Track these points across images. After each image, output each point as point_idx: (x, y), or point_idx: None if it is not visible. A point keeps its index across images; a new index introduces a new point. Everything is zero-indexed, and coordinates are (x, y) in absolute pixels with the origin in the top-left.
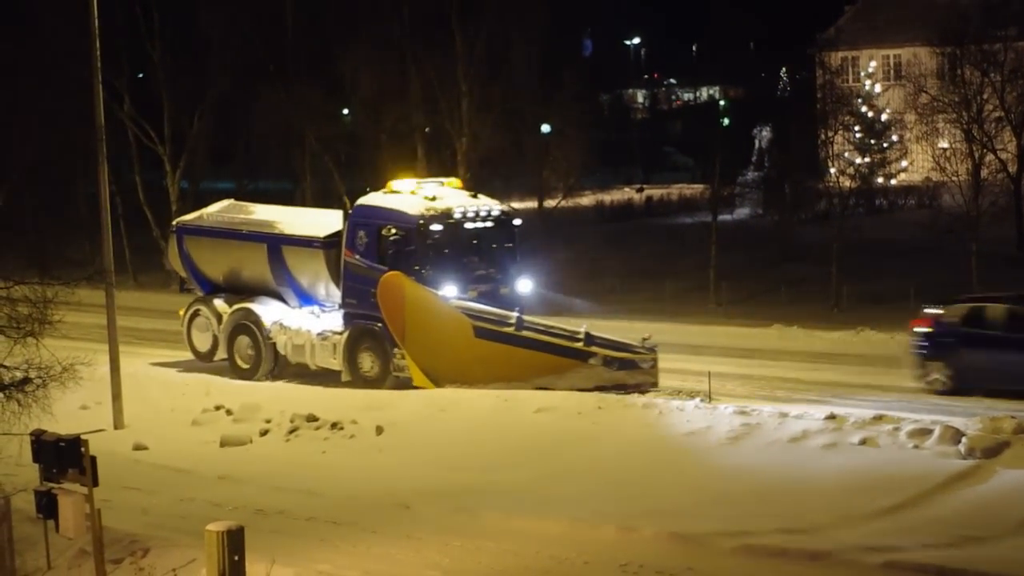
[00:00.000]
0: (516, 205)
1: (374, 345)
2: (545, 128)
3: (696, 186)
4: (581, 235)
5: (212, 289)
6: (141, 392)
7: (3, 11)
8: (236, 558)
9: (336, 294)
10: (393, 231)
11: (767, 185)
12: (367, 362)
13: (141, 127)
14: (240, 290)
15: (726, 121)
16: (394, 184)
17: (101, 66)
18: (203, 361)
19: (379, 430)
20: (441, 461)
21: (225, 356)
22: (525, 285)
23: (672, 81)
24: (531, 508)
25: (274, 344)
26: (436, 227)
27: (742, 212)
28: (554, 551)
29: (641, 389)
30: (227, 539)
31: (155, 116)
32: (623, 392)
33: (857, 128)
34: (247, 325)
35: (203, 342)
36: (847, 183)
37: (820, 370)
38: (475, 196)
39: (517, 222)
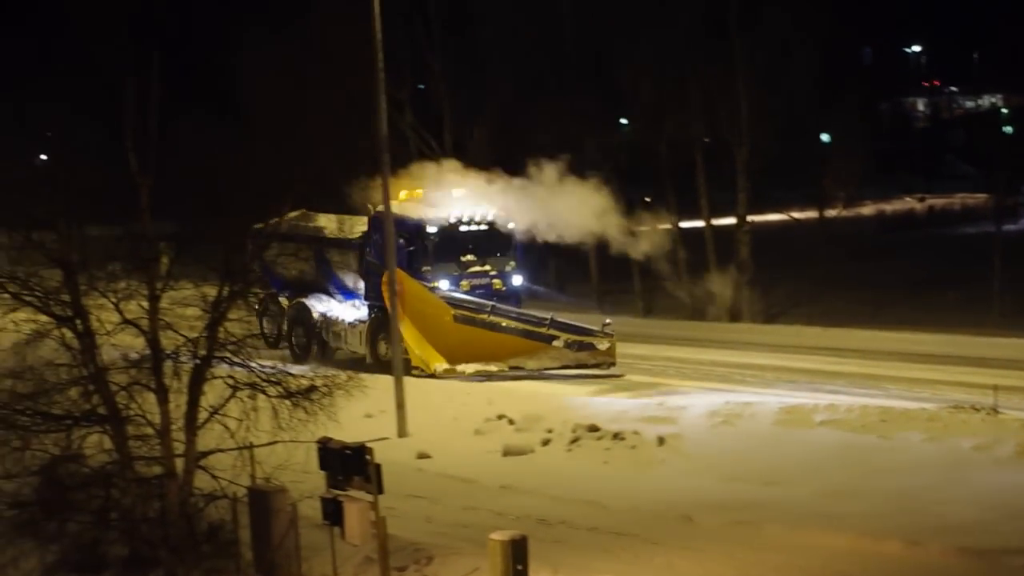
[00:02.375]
0: (795, 215)
1: (388, 334)
2: (824, 137)
3: (979, 195)
4: (861, 245)
5: (281, 287)
6: (424, 401)
7: (290, 25)
8: (519, 567)
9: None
10: (399, 234)
11: None
12: (383, 348)
13: (422, 138)
14: (300, 287)
15: (1009, 129)
16: (402, 194)
17: (384, 77)
18: (270, 348)
19: (660, 441)
20: (722, 473)
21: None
22: (518, 280)
23: (953, 89)
24: (814, 521)
25: (320, 333)
26: (433, 230)
27: None
28: (839, 566)
29: (602, 367)
30: (511, 548)
31: (436, 126)
32: (585, 370)
33: None
34: (300, 317)
35: (271, 331)
36: None
37: None
38: (476, 204)
39: (511, 226)
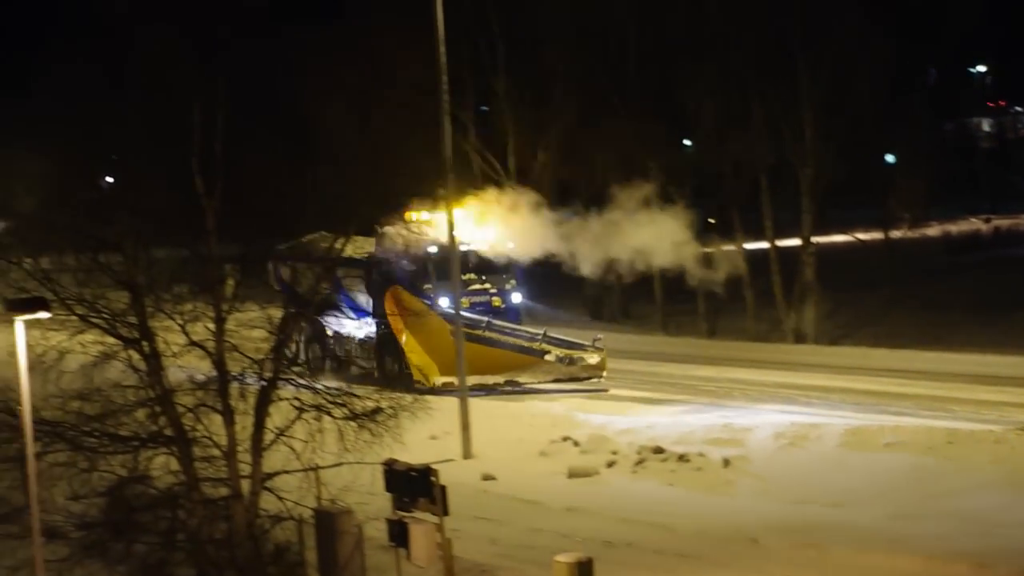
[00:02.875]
0: (861, 236)
1: (393, 349)
2: (889, 158)
3: None
4: (927, 266)
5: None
6: (489, 422)
7: (353, 48)
8: None
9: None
10: (402, 255)
11: None
12: (389, 363)
13: (486, 159)
14: (323, 306)
15: None
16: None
17: (448, 99)
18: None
19: (726, 463)
20: (788, 495)
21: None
22: (517, 297)
23: (1018, 109)
24: (881, 544)
25: (334, 349)
26: (434, 250)
27: None
28: None
29: (592, 380)
30: (577, 571)
31: (500, 148)
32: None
33: None
34: (317, 335)
35: (290, 349)
36: None
37: None
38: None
39: (510, 246)
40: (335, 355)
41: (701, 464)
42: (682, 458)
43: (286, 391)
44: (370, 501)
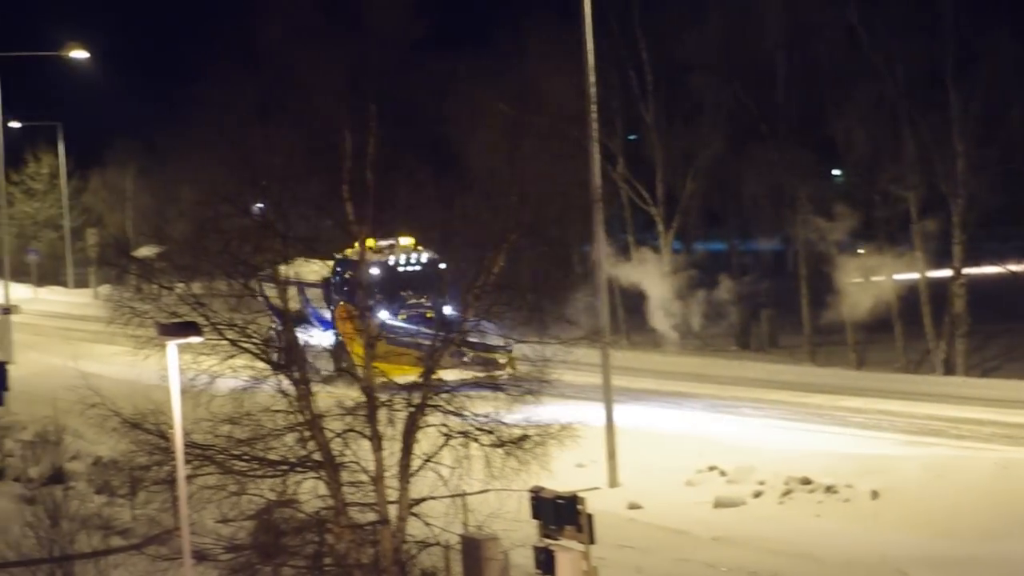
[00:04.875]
0: (1013, 268)
1: (345, 354)
2: None
3: None
4: None
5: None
6: (635, 451)
7: (502, 75)
8: None
9: None
10: (347, 274)
11: None
12: (345, 364)
13: (634, 188)
14: (298, 320)
15: None
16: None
17: (596, 128)
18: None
19: (874, 495)
20: (937, 528)
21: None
22: (448, 309)
23: None
24: None
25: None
26: (375, 271)
27: None
28: None
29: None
30: None
31: (648, 177)
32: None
33: None
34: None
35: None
36: None
37: None
38: (416, 248)
39: (442, 266)
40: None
41: (849, 495)
42: (830, 489)
43: (434, 417)
44: (516, 528)
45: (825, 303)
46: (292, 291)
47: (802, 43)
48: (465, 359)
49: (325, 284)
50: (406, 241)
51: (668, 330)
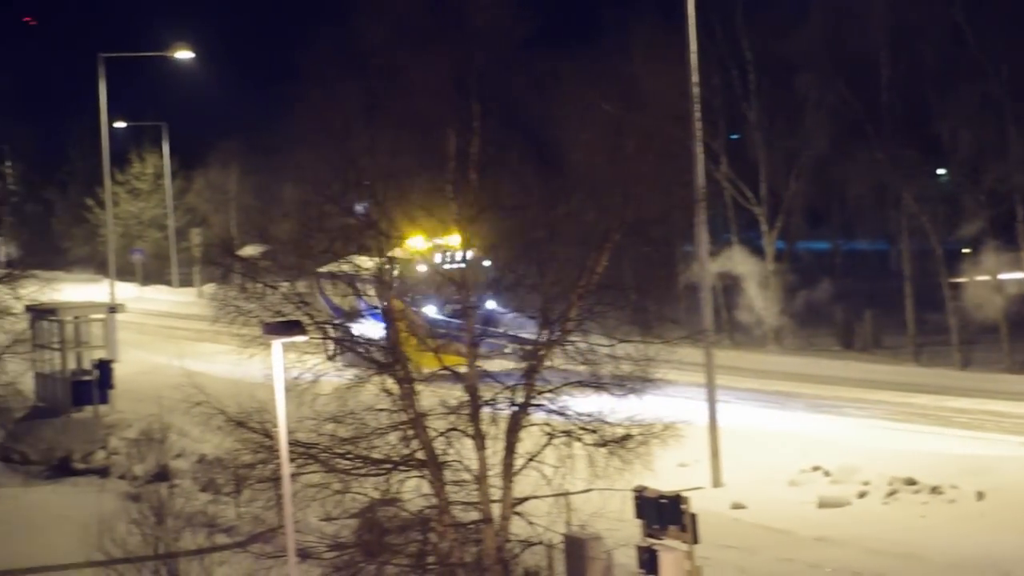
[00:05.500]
0: None
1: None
2: None
3: None
4: None
5: (339, 314)
6: (738, 451)
7: (606, 74)
8: None
9: None
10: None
11: None
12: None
13: (737, 188)
14: (348, 315)
15: None
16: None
17: (700, 127)
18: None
19: (980, 496)
20: None
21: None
22: (490, 304)
23: None
24: None
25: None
26: (421, 268)
27: None
28: None
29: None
30: None
31: (751, 177)
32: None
33: None
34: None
35: (331, 350)
36: None
37: None
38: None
39: (485, 263)
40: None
41: (954, 496)
42: (935, 490)
43: (537, 417)
44: (620, 528)
45: (929, 303)
46: (343, 288)
47: (906, 41)
48: (506, 351)
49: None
50: (453, 240)
51: (771, 329)
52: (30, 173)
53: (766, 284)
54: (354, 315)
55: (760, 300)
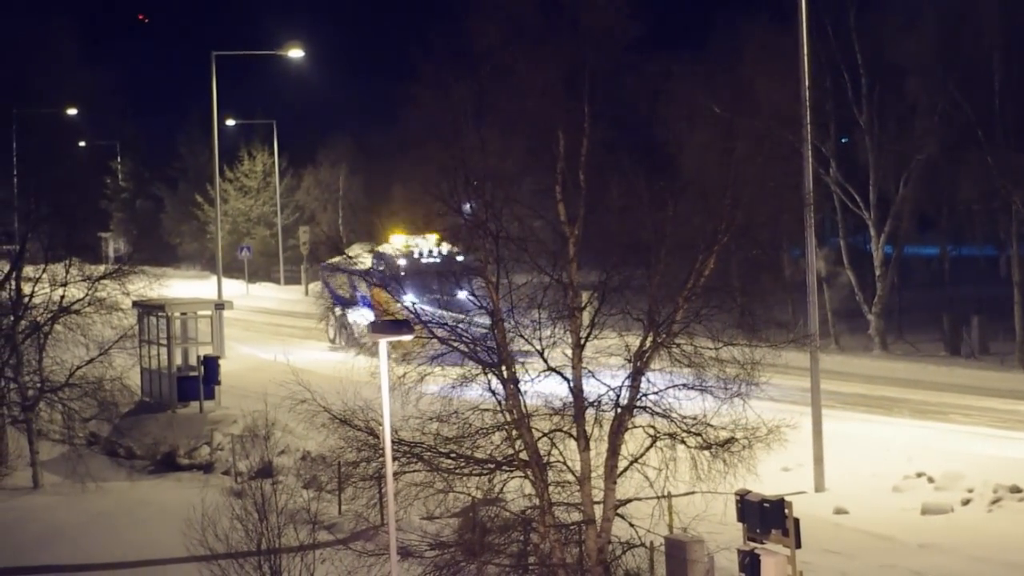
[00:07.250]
0: None
1: None
2: None
3: None
4: None
5: (340, 302)
6: (841, 456)
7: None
8: None
9: None
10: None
11: None
12: None
13: (846, 191)
14: (347, 303)
15: None
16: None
17: (810, 131)
18: (332, 344)
19: None
20: None
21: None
22: (462, 294)
23: None
24: None
25: (351, 333)
26: (403, 262)
27: None
28: None
29: None
30: None
31: (860, 181)
32: None
33: None
34: (344, 322)
35: (331, 334)
36: None
37: None
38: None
39: (460, 258)
40: (353, 337)
41: None
42: None
43: (641, 419)
44: (722, 531)
45: None
46: (343, 278)
47: (1019, 45)
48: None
49: (367, 273)
50: (431, 237)
51: (877, 334)
52: (141, 170)
53: (873, 289)
54: (348, 302)
55: (867, 305)
